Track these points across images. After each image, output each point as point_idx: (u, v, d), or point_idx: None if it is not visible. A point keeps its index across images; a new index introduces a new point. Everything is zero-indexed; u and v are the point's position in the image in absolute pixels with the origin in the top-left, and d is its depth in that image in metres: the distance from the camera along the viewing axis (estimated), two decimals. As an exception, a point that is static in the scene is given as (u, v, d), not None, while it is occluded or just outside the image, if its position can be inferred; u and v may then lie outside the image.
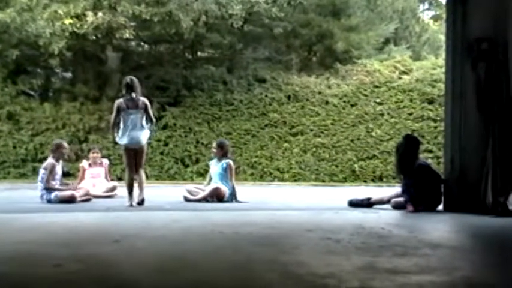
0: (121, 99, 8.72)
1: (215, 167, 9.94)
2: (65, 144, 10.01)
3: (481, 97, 7.44)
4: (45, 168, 9.57)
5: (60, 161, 9.82)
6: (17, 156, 17.55)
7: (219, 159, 9.94)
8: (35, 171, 13.99)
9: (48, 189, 9.40)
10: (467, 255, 4.37)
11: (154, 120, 9.25)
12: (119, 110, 8.62)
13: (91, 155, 11.28)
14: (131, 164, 8.69)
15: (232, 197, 9.65)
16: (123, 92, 8.76)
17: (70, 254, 3.97)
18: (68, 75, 20.37)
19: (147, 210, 7.74)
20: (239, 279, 3.24)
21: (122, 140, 8.65)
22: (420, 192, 7.69)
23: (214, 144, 10.37)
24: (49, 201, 9.28)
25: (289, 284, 3.08)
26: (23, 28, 17.09)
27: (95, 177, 10.95)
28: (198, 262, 3.79)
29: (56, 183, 9.50)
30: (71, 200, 9.26)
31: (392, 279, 3.19)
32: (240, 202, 9.48)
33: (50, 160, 9.67)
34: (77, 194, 9.52)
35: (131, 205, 8.39)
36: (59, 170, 9.67)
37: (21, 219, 6.37)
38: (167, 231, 5.29)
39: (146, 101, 8.86)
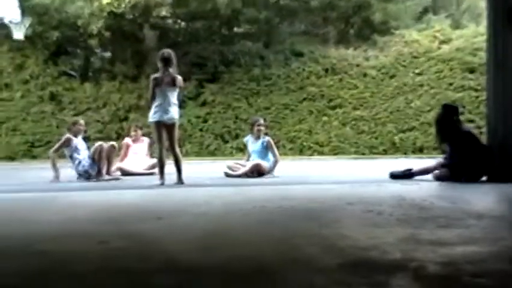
0: (157, 74, 8.39)
1: (253, 145, 9.92)
2: (82, 122, 10.26)
3: (523, 65, 7.29)
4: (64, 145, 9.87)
5: (80, 137, 9.98)
6: (61, 136, 17.81)
7: (257, 137, 9.92)
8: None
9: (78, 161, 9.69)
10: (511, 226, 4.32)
11: (181, 101, 8.87)
12: (155, 84, 8.30)
13: (132, 132, 11.44)
14: (162, 139, 8.38)
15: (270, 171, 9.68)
16: (159, 65, 8.39)
17: (114, 231, 4.05)
18: (107, 54, 20.60)
19: (188, 186, 7.81)
20: (281, 254, 3.26)
21: (154, 116, 8.31)
22: (464, 160, 7.60)
23: (261, 122, 10.19)
24: (84, 170, 9.61)
25: (331, 257, 3.10)
26: (62, 9, 17.30)
27: (136, 153, 11.10)
28: (240, 237, 3.83)
29: (81, 156, 9.70)
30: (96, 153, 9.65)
31: (435, 250, 3.18)
32: (274, 177, 9.50)
33: (65, 135, 9.98)
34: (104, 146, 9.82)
35: (162, 184, 8.10)
36: (79, 144, 9.84)
37: (64, 197, 6.49)
38: (209, 207, 5.34)
39: (181, 79, 8.56)
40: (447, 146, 8.05)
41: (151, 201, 6.17)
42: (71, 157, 9.74)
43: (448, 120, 7.92)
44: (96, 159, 9.63)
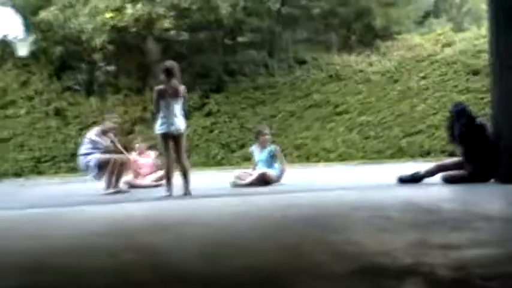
0: (160, 86, 8.43)
1: (259, 154, 9.95)
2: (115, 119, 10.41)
3: (527, 65, 7.27)
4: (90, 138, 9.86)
5: (106, 138, 9.95)
6: (67, 151, 17.88)
7: (262, 146, 9.96)
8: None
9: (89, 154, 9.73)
10: (521, 227, 4.30)
11: (186, 111, 8.87)
12: (159, 96, 8.35)
13: (136, 145, 11.50)
14: (169, 150, 8.37)
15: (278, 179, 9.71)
16: (162, 77, 8.43)
17: (123, 244, 4.05)
18: (111, 68, 20.63)
19: (195, 197, 7.80)
20: (290, 262, 3.26)
21: (161, 128, 8.32)
22: (474, 152, 7.63)
23: (266, 131, 10.28)
24: (87, 165, 9.67)
25: (340, 263, 3.09)
26: (65, 25, 17.38)
27: (143, 167, 11.13)
28: (248, 246, 3.83)
29: (93, 155, 9.70)
30: (106, 164, 9.53)
31: (445, 254, 3.17)
32: (281, 185, 9.51)
33: (97, 128, 10.05)
34: (117, 160, 9.67)
35: (170, 195, 8.10)
36: (104, 142, 9.84)
37: (74, 212, 6.50)
38: (216, 217, 5.34)
39: (185, 89, 8.56)
40: (462, 147, 8.02)
41: (160, 213, 6.17)
42: (86, 148, 9.77)
43: (460, 121, 7.95)
44: (104, 169, 9.60)
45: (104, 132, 9.90)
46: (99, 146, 9.74)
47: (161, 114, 8.36)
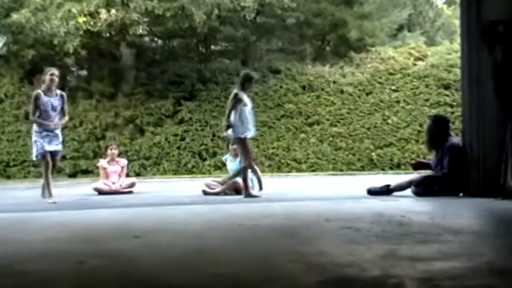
0: (242, 94, 9.03)
1: (231, 163, 9.97)
2: (54, 71, 9.33)
3: (498, 81, 7.36)
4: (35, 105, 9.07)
5: (57, 92, 9.25)
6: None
7: (234, 155, 9.96)
8: (55, 169, 14.10)
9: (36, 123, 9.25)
10: (489, 240, 4.34)
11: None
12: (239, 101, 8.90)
13: (109, 151, 11.33)
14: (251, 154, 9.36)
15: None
16: (247, 85, 9.22)
17: (92, 251, 4.00)
18: (83, 73, 20.47)
19: (166, 204, 7.76)
20: (260, 271, 3.24)
21: (245, 132, 8.97)
22: (452, 170, 7.74)
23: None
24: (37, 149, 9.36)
25: (311, 274, 3.09)
26: (38, 28, 17.20)
27: (112, 174, 11.02)
28: (219, 255, 3.80)
29: (46, 116, 9.13)
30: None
31: (414, 266, 3.18)
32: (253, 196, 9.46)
33: (35, 91, 9.21)
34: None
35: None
36: (48, 102, 9.05)
37: (41, 217, 6.41)
38: (187, 225, 5.30)
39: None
40: (435, 153, 8.22)
41: (129, 219, 6.12)
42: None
43: (438, 132, 8.13)
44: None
45: (46, 90, 9.10)
46: (47, 111, 9.12)
47: (241, 120, 8.92)
